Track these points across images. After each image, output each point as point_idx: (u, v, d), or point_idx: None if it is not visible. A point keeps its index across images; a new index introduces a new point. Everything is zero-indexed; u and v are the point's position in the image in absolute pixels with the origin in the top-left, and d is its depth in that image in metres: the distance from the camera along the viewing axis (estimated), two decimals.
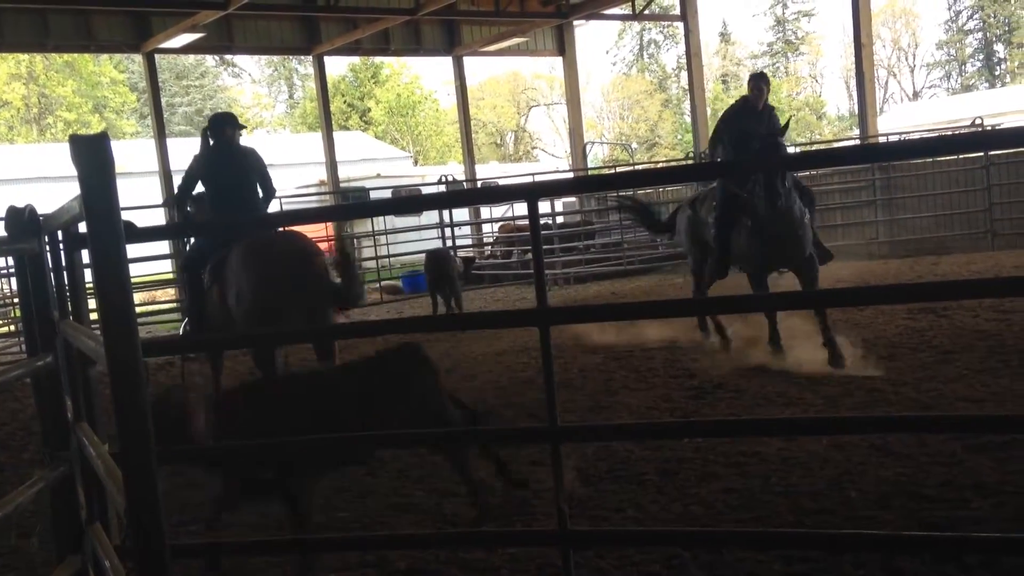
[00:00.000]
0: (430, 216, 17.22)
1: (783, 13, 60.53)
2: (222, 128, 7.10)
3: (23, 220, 2.58)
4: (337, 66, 47.26)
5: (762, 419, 5.07)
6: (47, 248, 2.77)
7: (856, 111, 20.10)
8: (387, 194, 23.06)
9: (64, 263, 2.78)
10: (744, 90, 8.07)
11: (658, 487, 4.74)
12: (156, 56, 17.02)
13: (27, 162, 34.01)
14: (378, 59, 45.27)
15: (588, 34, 53.77)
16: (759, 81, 7.90)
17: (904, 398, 5.85)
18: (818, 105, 60.07)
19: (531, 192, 2.84)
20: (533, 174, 18.98)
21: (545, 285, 2.75)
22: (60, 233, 2.79)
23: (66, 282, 2.81)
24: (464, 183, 20.10)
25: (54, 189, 5.41)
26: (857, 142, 19.00)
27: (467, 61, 20.94)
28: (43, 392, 2.75)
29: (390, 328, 8.44)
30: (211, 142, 7.15)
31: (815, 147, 32.81)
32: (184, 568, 4.05)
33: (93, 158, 1.55)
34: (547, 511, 4.51)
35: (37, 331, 2.69)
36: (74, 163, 1.59)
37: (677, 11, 21.95)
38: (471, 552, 4.06)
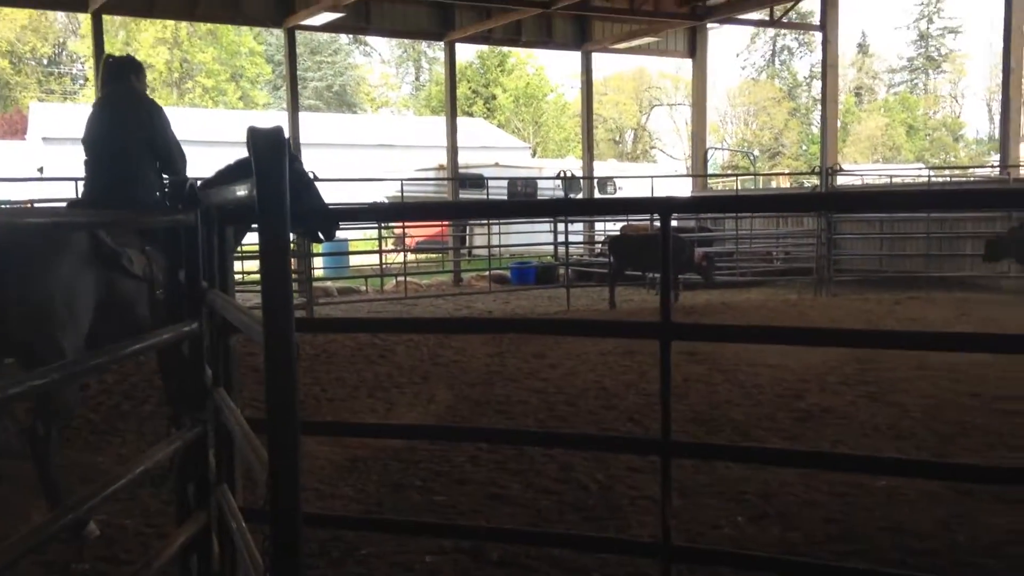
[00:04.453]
0: None
1: (927, 28, 58.18)
2: None
3: (184, 193, 2.75)
4: (465, 52, 47.78)
5: (871, 456, 4.94)
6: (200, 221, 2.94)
7: (997, 136, 19.17)
8: (503, 183, 23.28)
9: (215, 236, 2.94)
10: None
11: (756, 507, 4.70)
12: (296, 32, 17.59)
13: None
14: (506, 49, 45.55)
15: (720, 37, 52.72)
16: None
17: None
18: (956, 126, 57.55)
19: (665, 207, 2.85)
20: (652, 177, 18.76)
21: (671, 299, 2.77)
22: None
23: (215, 253, 2.97)
24: (581, 179, 20.09)
25: (192, 153, 5.67)
26: (996, 169, 18.12)
27: (595, 57, 20.91)
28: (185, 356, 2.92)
29: (497, 327, 8.57)
30: None
31: (947, 171, 31.44)
32: None
33: (270, 151, 1.65)
34: (640, 519, 4.53)
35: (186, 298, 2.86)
36: (251, 154, 1.69)
37: (816, 19, 21.36)
38: (563, 550, 4.11)
